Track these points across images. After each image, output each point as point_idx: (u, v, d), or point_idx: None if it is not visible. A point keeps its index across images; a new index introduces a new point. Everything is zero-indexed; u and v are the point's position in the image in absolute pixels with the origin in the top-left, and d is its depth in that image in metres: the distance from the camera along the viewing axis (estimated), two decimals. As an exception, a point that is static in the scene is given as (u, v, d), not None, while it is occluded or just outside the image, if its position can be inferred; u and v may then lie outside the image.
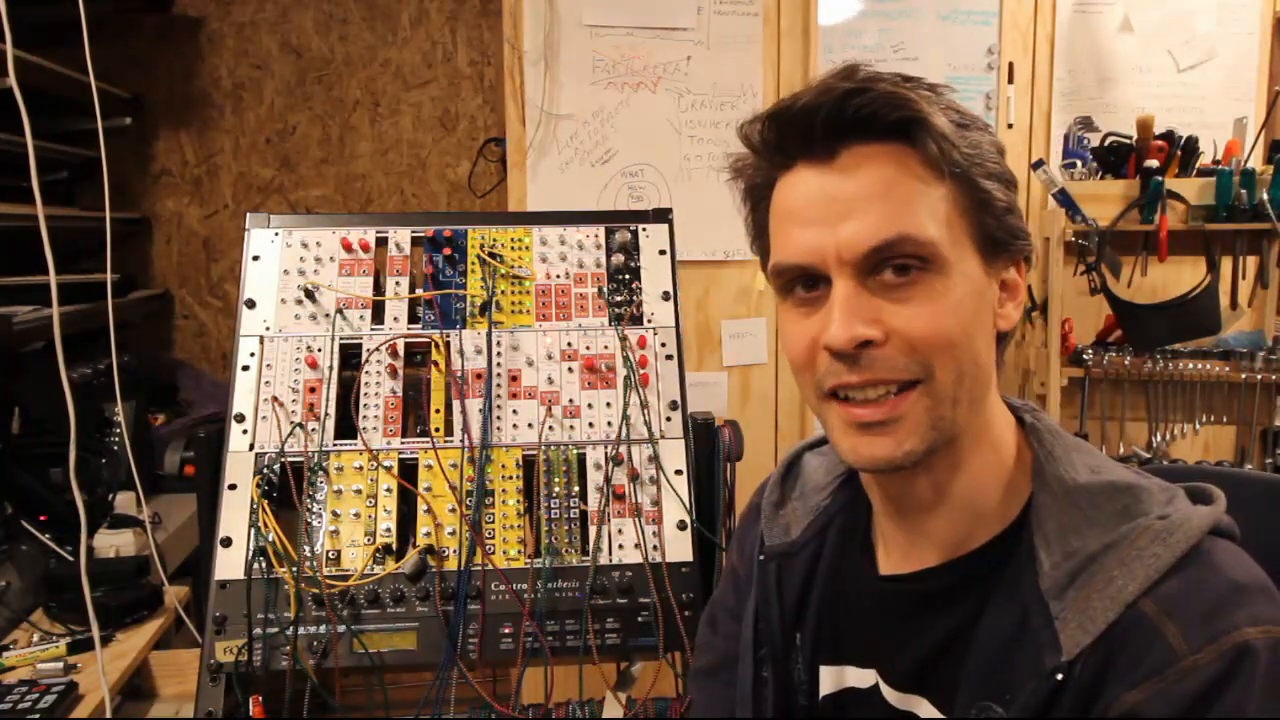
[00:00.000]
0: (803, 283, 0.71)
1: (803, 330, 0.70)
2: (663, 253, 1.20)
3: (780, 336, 0.76)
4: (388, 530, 1.03)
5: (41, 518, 1.78)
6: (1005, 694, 0.66)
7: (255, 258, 1.15)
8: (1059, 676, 0.64)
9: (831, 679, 0.82)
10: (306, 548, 1.01)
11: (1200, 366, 1.98)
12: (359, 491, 1.05)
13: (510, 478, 1.07)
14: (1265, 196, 1.85)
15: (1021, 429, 0.75)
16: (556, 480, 1.08)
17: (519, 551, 1.04)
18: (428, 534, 1.03)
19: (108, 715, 1.30)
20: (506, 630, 1.01)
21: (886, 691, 0.77)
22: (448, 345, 1.12)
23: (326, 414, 1.08)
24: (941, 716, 0.72)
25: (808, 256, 0.69)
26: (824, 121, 0.68)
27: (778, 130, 0.72)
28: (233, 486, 1.04)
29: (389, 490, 1.05)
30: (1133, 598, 0.63)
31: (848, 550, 0.83)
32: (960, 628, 0.71)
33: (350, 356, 1.12)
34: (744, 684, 0.86)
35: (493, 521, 1.05)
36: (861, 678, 0.80)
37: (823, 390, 0.70)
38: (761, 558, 0.88)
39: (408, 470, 1.07)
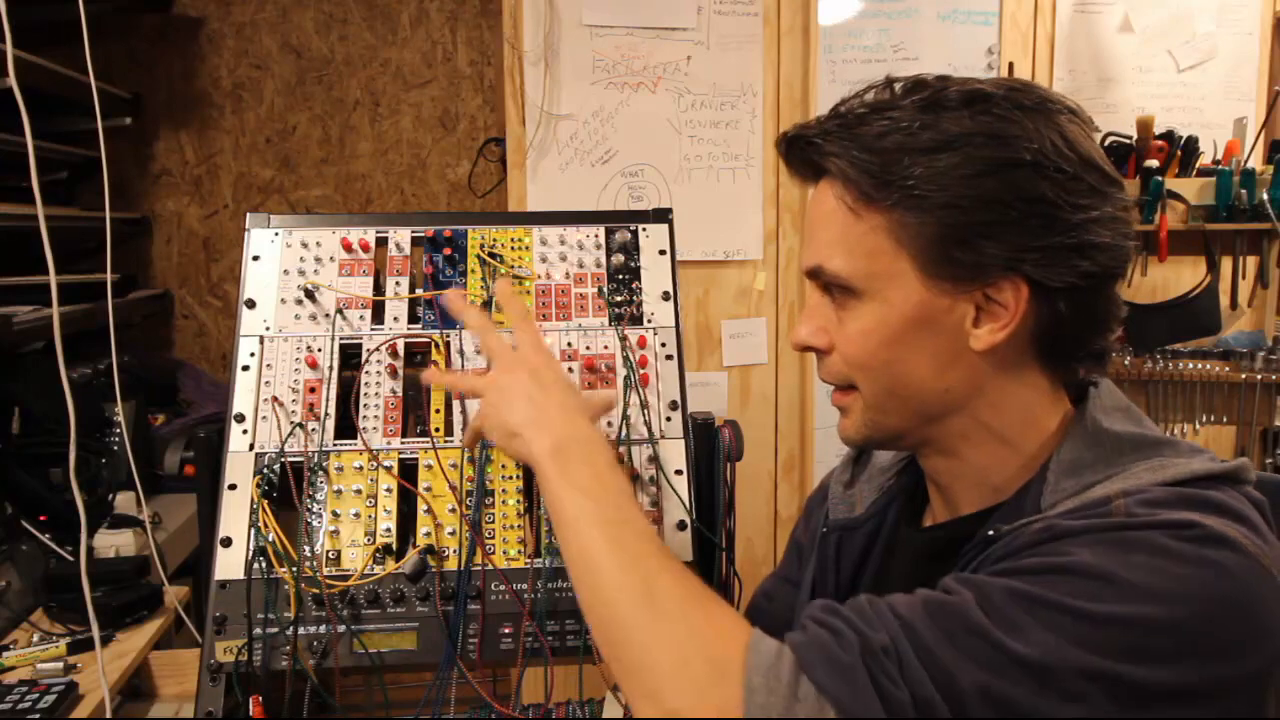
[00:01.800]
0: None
1: None
2: (663, 253, 1.20)
3: None
4: (388, 530, 1.03)
5: (41, 518, 1.78)
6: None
7: (255, 258, 1.15)
8: (990, 533, 0.69)
9: None
10: (306, 548, 1.01)
11: (1200, 366, 1.98)
12: (359, 491, 1.05)
13: (510, 478, 1.07)
14: (1265, 196, 1.85)
15: (1074, 406, 0.78)
16: (556, 480, 1.08)
17: (519, 551, 1.04)
18: (428, 534, 1.03)
19: (108, 715, 1.30)
20: (506, 630, 1.01)
21: None
22: (448, 345, 1.12)
23: (326, 414, 1.08)
24: None
25: (803, 263, 0.81)
26: (794, 159, 0.78)
27: (787, 157, 0.80)
28: (233, 486, 1.04)
29: (389, 490, 1.05)
30: (1099, 496, 0.66)
31: (901, 523, 0.89)
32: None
33: (350, 356, 1.12)
34: None
35: (493, 521, 1.05)
36: None
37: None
38: (825, 530, 0.94)
39: (408, 470, 1.07)
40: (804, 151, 0.76)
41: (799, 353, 0.80)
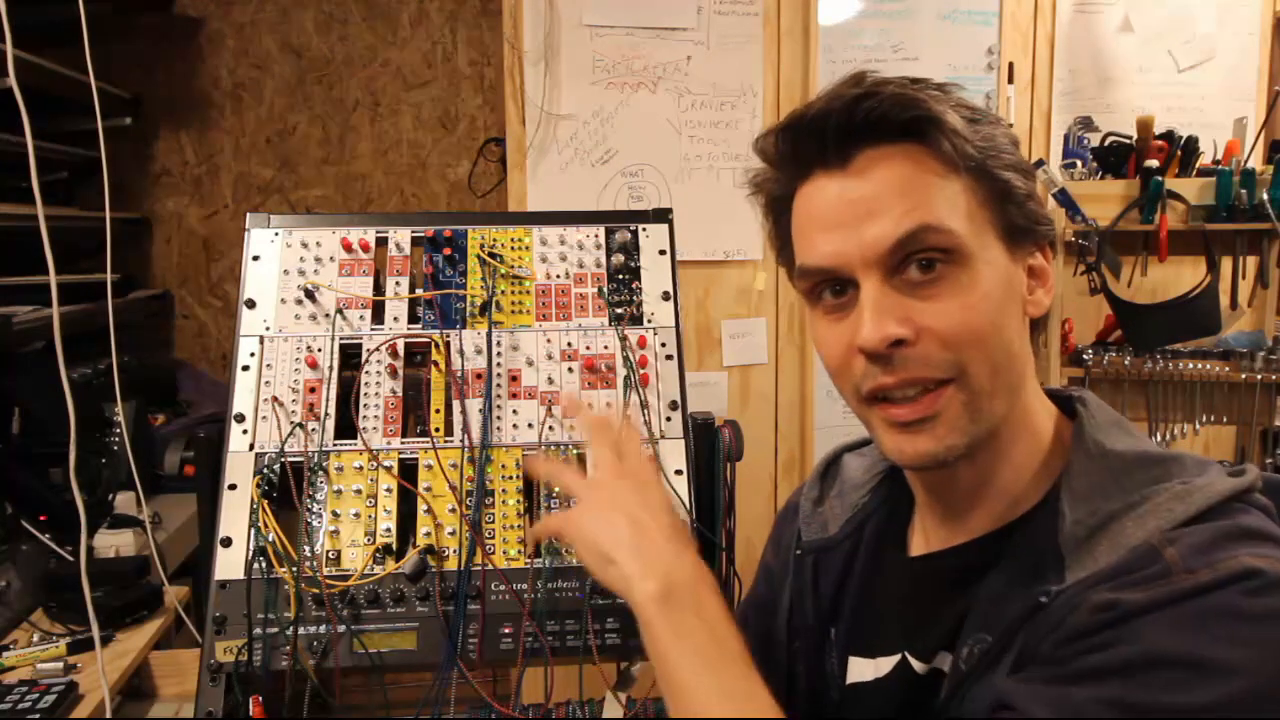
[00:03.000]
0: (830, 288, 0.72)
1: (836, 336, 0.71)
2: (663, 253, 1.20)
3: (815, 345, 0.77)
4: (388, 530, 1.03)
5: (41, 518, 1.78)
6: (999, 625, 0.67)
7: (255, 258, 1.15)
8: (1043, 600, 0.64)
9: (858, 670, 0.83)
10: (306, 548, 1.01)
11: (1200, 366, 1.98)
12: (359, 491, 1.05)
13: (510, 478, 1.07)
14: (1265, 196, 1.85)
15: (1061, 412, 0.77)
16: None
17: (519, 551, 1.04)
18: (428, 534, 1.03)
19: (108, 715, 1.30)
20: (506, 630, 1.01)
21: (914, 664, 0.78)
22: (448, 345, 1.12)
23: (326, 414, 1.08)
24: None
25: (832, 260, 0.70)
26: (835, 128, 0.69)
27: (792, 141, 0.73)
28: (233, 486, 1.04)
29: (389, 490, 1.05)
30: (1138, 542, 0.63)
31: (884, 544, 0.84)
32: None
33: (350, 356, 1.12)
34: (776, 678, 0.87)
35: (493, 521, 1.05)
36: (879, 668, 0.81)
37: (861, 394, 0.71)
38: (799, 552, 0.89)
39: (408, 470, 1.07)
40: (897, 110, 0.67)
41: (877, 351, 0.67)
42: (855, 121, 0.68)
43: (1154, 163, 1.93)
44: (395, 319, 1.14)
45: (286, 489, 1.04)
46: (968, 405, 0.68)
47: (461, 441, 1.08)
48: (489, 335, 1.13)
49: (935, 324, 0.67)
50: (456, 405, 1.09)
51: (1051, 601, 0.64)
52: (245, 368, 1.10)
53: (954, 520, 0.77)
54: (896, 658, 0.79)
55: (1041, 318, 0.75)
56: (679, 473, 1.09)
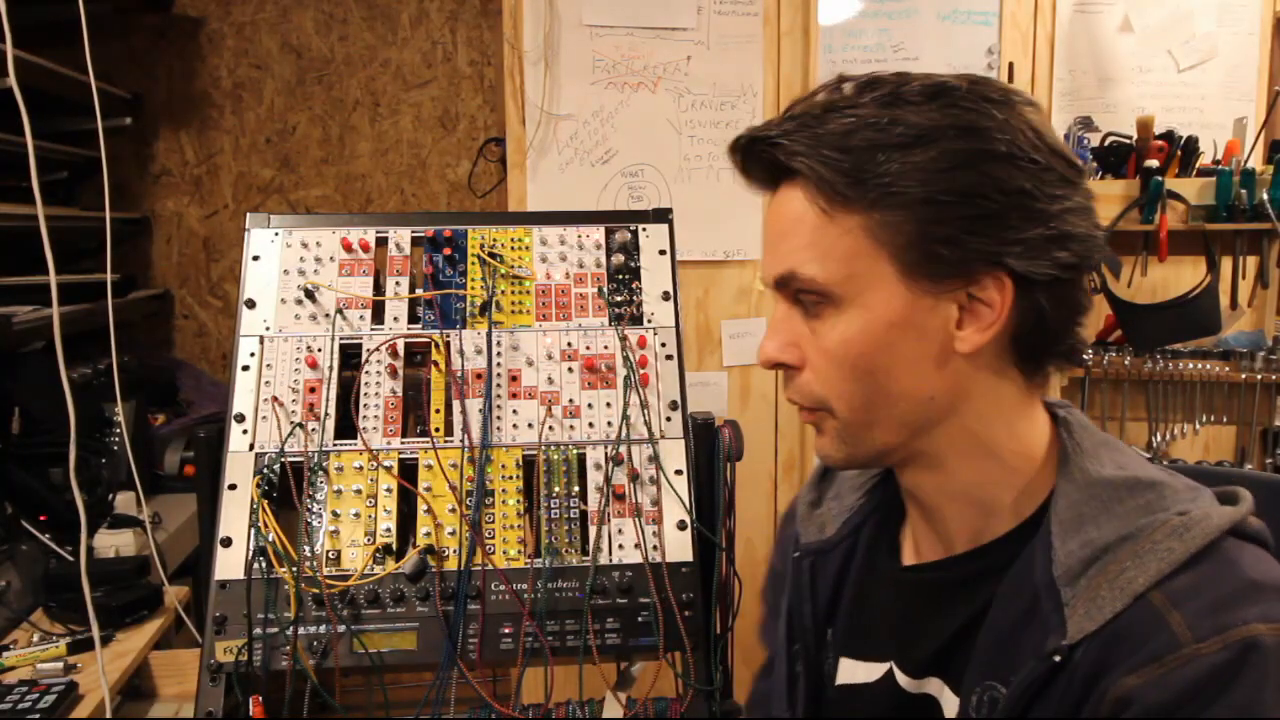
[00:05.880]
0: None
1: None
2: (663, 253, 1.20)
3: None
4: (388, 530, 1.03)
5: (41, 518, 1.78)
6: (1009, 674, 0.67)
7: (255, 258, 1.15)
8: (1057, 659, 0.64)
9: (849, 671, 0.83)
10: (306, 548, 1.01)
11: (1200, 366, 1.98)
12: (359, 491, 1.05)
13: (510, 478, 1.07)
14: (1265, 196, 1.85)
15: (1055, 426, 0.75)
16: (556, 480, 1.08)
17: (519, 551, 1.04)
18: (428, 534, 1.03)
19: (108, 715, 1.30)
20: (506, 630, 1.01)
21: (901, 678, 0.78)
22: (448, 345, 1.12)
23: (326, 414, 1.08)
24: (953, 697, 0.73)
25: (763, 277, 0.77)
26: (752, 165, 0.74)
27: (743, 165, 0.76)
28: (233, 486, 1.04)
29: (389, 490, 1.05)
30: (1142, 589, 0.62)
31: (878, 547, 0.84)
32: (976, 614, 0.72)
33: (350, 356, 1.12)
34: (779, 680, 0.89)
35: (493, 521, 1.05)
36: (872, 671, 0.81)
37: None
38: (796, 554, 0.90)
39: (408, 470, 1.07)
40: (765, 154, 0.71)
41: (769, 370, 0.76)
42: (761, 161, 0.72)
43: (1154, 163, 1.93)
44: (395, 319, 1.14)
45: (286, 489, 1.04)
46: (839, 431, 0.73)
47: (461, 441, 1.08)
48: (489, 335, 1.13)
49: (811, 356, 0.72)
50: (456, 405, 1.09)
51: (1065, 662, 0.64)
52: (245, 368, 1.10)
53: (933, 521, 0.77)
54: (886, 666, 0.80)
55: (1030, 342, 0.70)
56: (679, 473, 1.09)
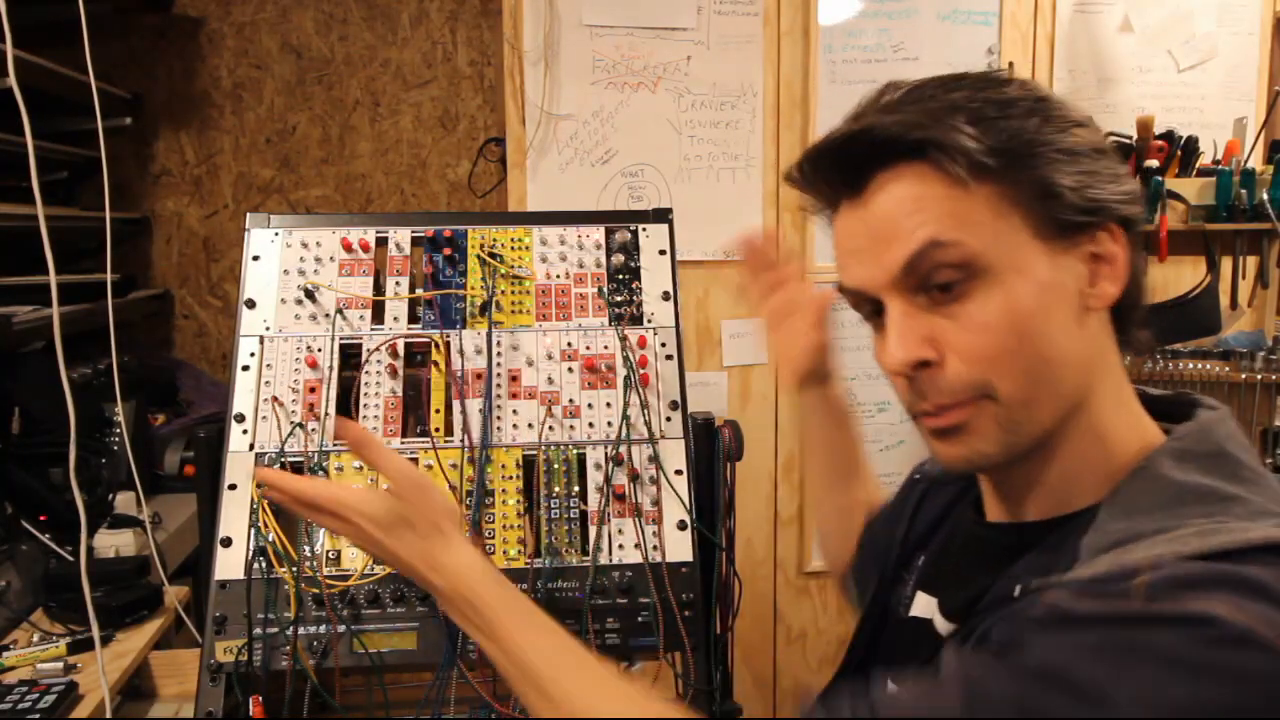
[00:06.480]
0: (872, 307, 0.72)
1: (879, 355, 0.72)
2: (663, 253, 1.20)
3: None
4: (388, 530, 1.03)
5: (41, 518, 1.77)
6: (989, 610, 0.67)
7: (255, 258, 1.15)
8: (1016, 592, 0.64)
9: (922, 605, 0.84)
10: (306, 548, 1.01)
11: (1200, 366, 1.98)
12: (359, 491, 1.05)
13: (510, 478, 1.07)
14: (1265, 196, 1.85)
15: (1170, 421, 0.73)
16: (556, 480, 1.08)
17: (519, 551, 1.04)
18: (428, 534, 1.03)
19: (108, 715, 1.30)
20: (506, 630, 1.01)
21: (939, 622, 0.79)
22: (448, 345, 1.12)
23: (326, 414, 1.08)
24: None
25: (860, 283, 0.71)
26: (844, 160, 0.70)
27: (811, 173, 0.74)
28: (233, 486, 1.04)
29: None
30: (1133, 564, 0.59)
31: (974, 499, 0.84)
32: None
33: (350, 356, 1.12)
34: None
35: (493, 521, 1.05)
36: (929, 606, 0.82)
37: (908, 414, 0.73)
38: (917, 477, 0.92)
39: (408, 470, 1.07)
40: (871, 144, 0.68)
41: (903, 374, 0.68)
42: (858, 152, 0.69)
43: (1154, 163, 1.93)
44: (395, 319, 1.14)
45: (286, 489, 1.04)
46: (999, 418, 0.68)
47: (461, 441, 1.08)
48: (489, 335, 1.13)
49: (958, 342, 0.67)
50: (456, 405, 1.09)
51: (1023, 594, 0.64)
52: (245, 368, 1.10)
53: (1006, 502, 0.77)
54: (935, 600, 0.81)
55: (1126, 303, 0.70)
56: (679, 473, 1.09)
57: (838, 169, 0.71)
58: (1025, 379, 0.67)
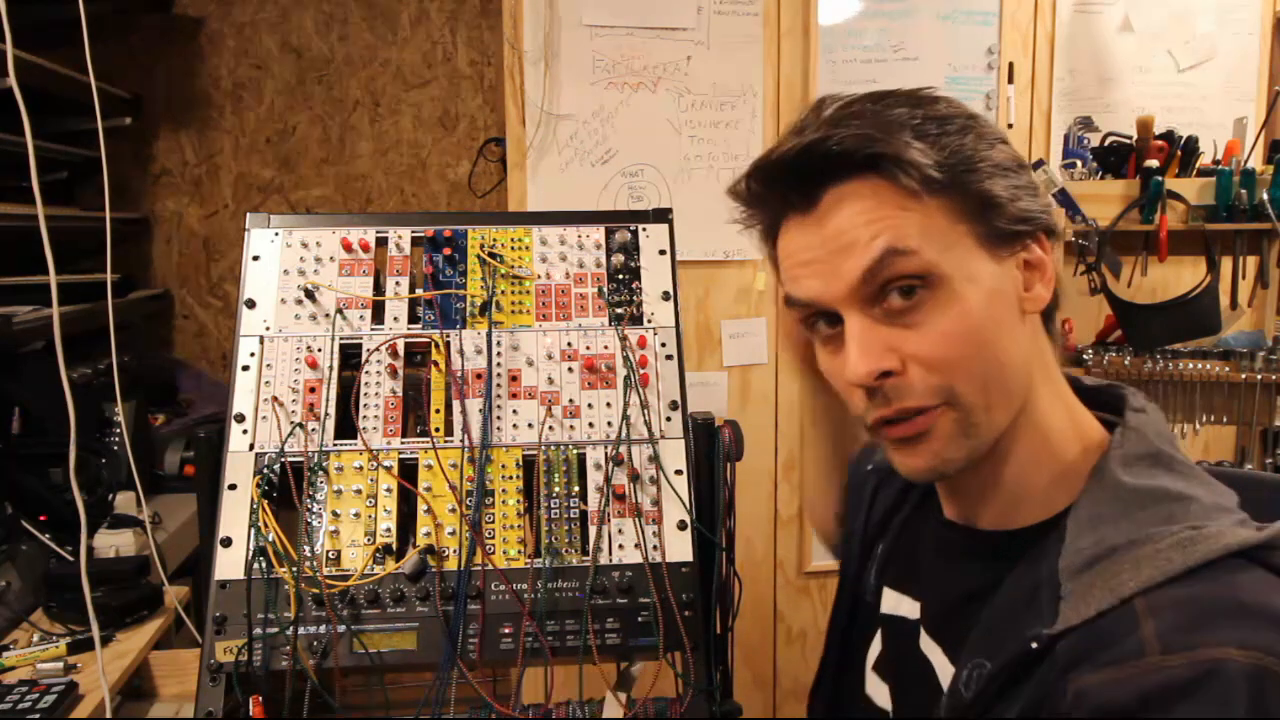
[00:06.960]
0: (823, 319, 0.73)
1: (834, 368, 0.74)
2: (663, 253, 1.20)
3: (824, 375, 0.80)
4: (388, 530, 1.03)
5: (41, 518, 1.78)
6: (998, 655, 0.67)
7: (255, 258, 1.15)
8: (1034, 645, 0.64)
9: (891, 602, 0.87)
10: (306, 548, 1.02)
11: (1200, 366, 1.98)
12: (359, 491, 1.05)
13: (510, 478, 1.07)
14: (1265, 196, 1.85)
15: (1110, 414, 0.76)
16: (556, 480, 1.08)
17: (519, 551, 1.04)
18: (428, 534, 1.03)
19: (108, 715, 1.30)
20: (506, 630, 1.01)
21: (925, 640, 0.80)
22: (448, 345, 1.12)
23: (326, 414, 1.08)
24: (949, 666, 0.75)
25: (815, 294, 0.72)
26: (795, 175, 0.71)
27: (760, 188, 0.76)
28: (233, 486, 1.04)
29: (389, 490, 1.05)
30: (1130, 593, 0.62)
31: (933, 492, 0.86)
32: (986, 589, 0.73)
33: (350, 356, 1.12)
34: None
35: (493, 521, 1.05)
36: (913, 609, 0.84)
37: (867, 423, 0.73)
38: (869, 468, 0.95)
39: (408, 470, 1.07)
40: (824, 157, 0.69)
41: (866, 385, 0.69)
42: (813, 167, 0.70)
43: (1154, 163, 1.93)
44: (395, 319, 1.14)
45: (286, 489, 1.04)
46: (960, 422, 0.70)
47: (461, 441, 1.08)
48: (489, 335, 1.13)
49: (919, 351, 0.69)
50: (456, 405, 1.09)
51: (1046, 652, 0.64)
52: (245, 368, 1.10)
53: (963, 503, 0.79)
54: (919, 604, 0.83)
55: (1052, 305, 0.75)
56: (679, 473, 1.09)
57: (789, 183, 0.72)
58: (983, 383, 0.69)
